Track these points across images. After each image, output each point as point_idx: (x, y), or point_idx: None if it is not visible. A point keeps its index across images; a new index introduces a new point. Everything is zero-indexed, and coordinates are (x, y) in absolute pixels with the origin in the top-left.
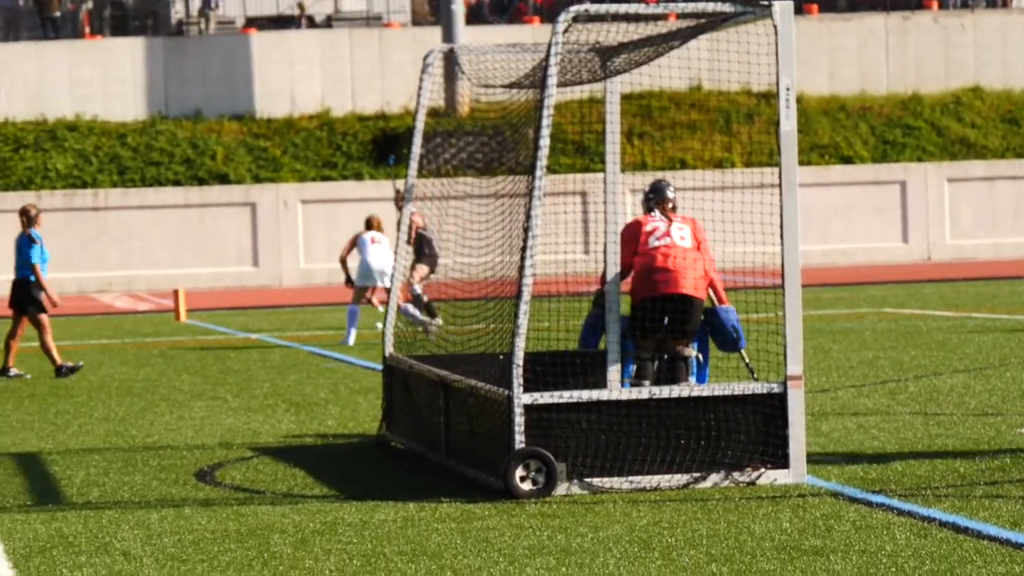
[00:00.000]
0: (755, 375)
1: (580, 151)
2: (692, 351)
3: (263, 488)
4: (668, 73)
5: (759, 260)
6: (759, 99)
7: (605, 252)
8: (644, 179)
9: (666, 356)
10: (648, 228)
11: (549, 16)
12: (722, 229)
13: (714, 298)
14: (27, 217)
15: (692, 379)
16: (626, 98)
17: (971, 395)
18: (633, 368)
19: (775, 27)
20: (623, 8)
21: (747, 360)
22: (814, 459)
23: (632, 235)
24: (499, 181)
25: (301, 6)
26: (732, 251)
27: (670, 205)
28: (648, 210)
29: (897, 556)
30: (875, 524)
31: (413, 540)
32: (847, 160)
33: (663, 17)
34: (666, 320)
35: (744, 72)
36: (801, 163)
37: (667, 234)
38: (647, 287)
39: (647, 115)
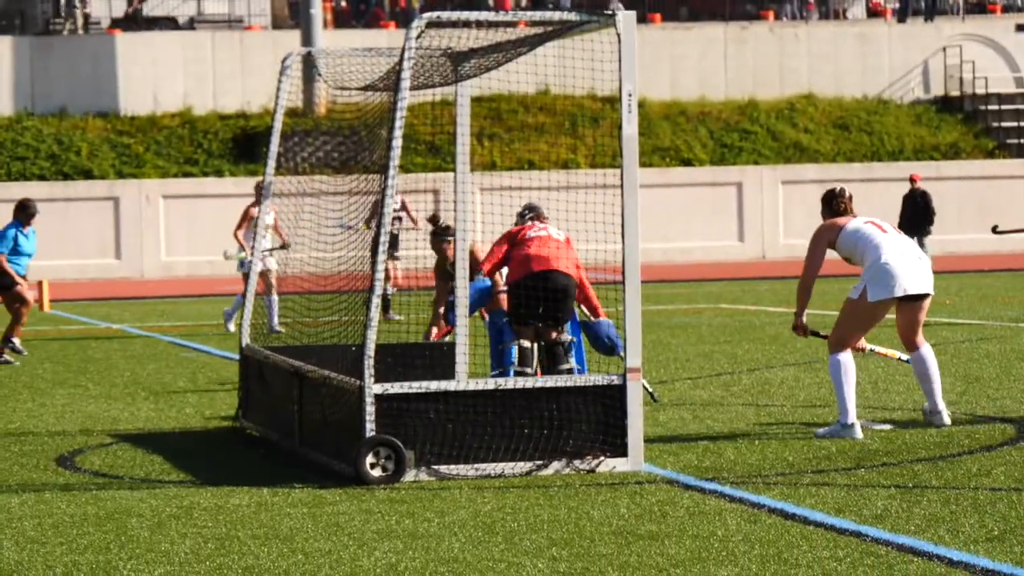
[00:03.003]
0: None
1: (433, 151)
2: (567, 336)
3: (122, 474)
4: (517, 78)
5: (602, 257)
6: (604, 103)
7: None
8: (492, 179)
9: (543, 343)
10: (528, 226)
11: (405, 22)
12: (567, 228)
13: (587, 312)
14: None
15: (572, 360)
16: (477, 101)
17: (801, 387)
18: (515, 356)
19: (618, 36)
20: (474, 16)
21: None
22: (651, 448)
23: (510, 235)
24: (354, 180)
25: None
26: (577, 248)
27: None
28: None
29: (728, 541)
30: (708, 510)
31: (266, 524)
32: (687, 162)
33: (513, 24)
34: (541, 309)
35: (590, 78)
36: (643, 165)
37: (544, 230)
38: (523, 269)
39: (497, 117)
